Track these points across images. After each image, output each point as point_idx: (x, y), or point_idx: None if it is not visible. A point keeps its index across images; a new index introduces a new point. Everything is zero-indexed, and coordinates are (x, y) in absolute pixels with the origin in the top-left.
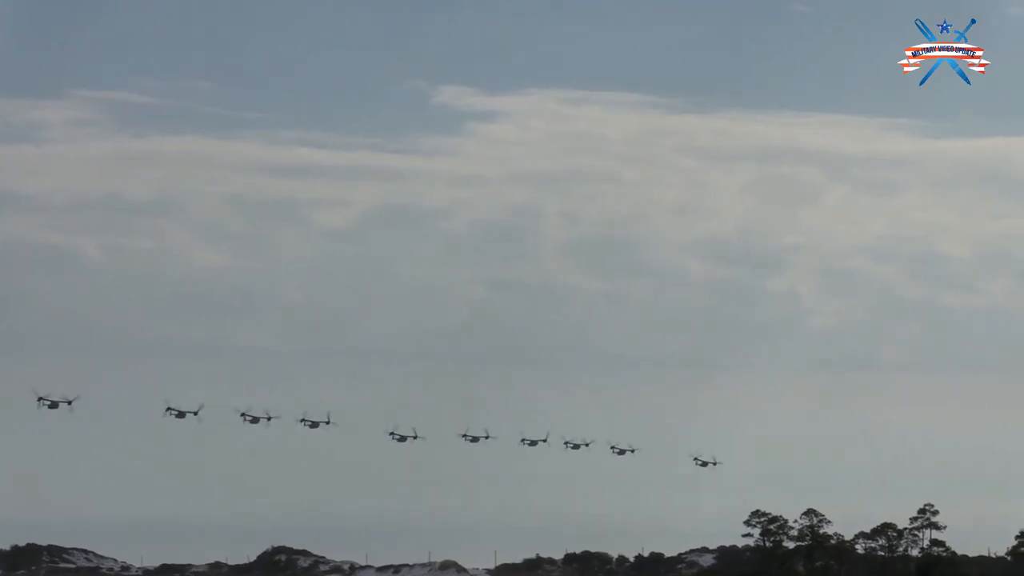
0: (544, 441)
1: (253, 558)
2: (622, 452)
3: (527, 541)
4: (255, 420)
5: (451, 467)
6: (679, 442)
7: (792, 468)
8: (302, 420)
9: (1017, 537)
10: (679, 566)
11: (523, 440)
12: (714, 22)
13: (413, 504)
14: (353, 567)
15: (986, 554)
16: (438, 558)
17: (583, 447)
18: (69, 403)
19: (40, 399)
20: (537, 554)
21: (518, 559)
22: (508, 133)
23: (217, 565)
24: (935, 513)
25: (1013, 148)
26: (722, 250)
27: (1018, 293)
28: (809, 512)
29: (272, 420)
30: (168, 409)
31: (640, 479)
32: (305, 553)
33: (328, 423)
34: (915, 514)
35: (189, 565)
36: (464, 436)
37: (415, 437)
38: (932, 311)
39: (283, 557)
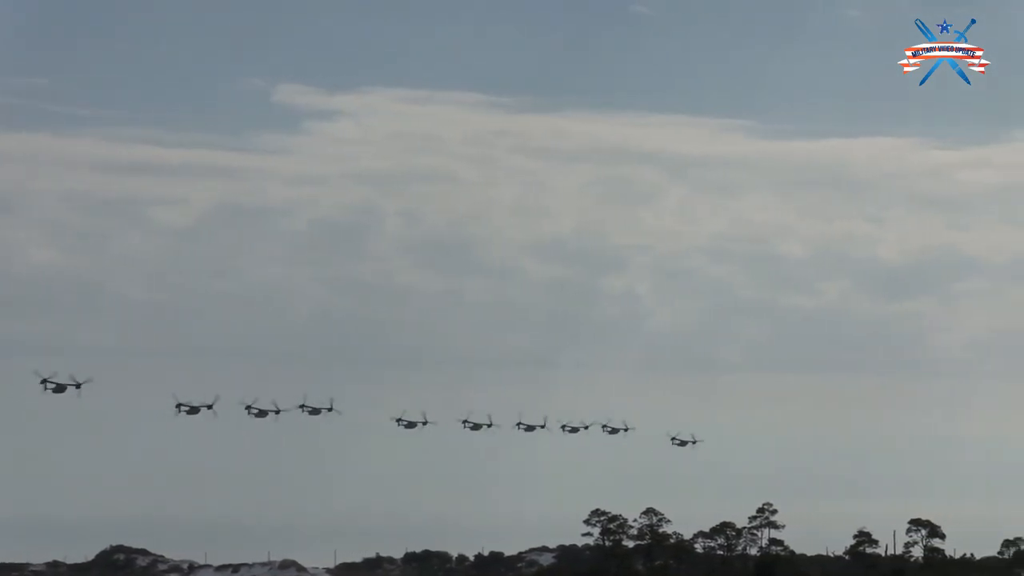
0: (329, 409)
1: (91, 557)
2: (615, 431)
3: (367, 540)
4: (262, 414)
5: (289, 465)
6: (519, 440)
7: (631, 467)
8: (301, 407)
9: (855, 536)
10: (519, 565)
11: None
12: (553, 23)
13: (252, 503)
14: (192, 566)
15: (824, 553)
16: (277, 557)
17: (420, 425)
18: (77, 385)
19: (44, 381)
20: (377, 553)
21: (358, 558)
22: (347, 132)
23: (55, 564)
24: (774, 512)
25: (850, 149)
26: (561, 250)
27: (856, 294)
28: (648, 511)
29: (281, 413)
30: (178, 406)
31: (482, 478)
32: (143, 552)
33: (331, 410)
34: (754, 513)
35: (27, 564)
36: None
37: (424, 423)
38: (770, 312)
39: (121, 556)
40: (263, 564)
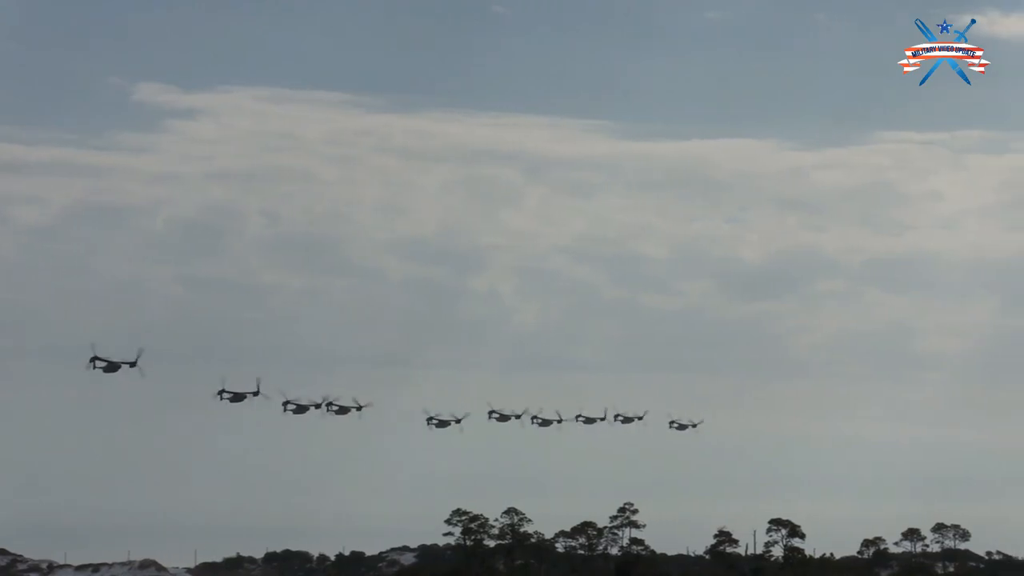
0: (359, 408)
1: None
2: (628, 420)
3: (228, 540)
4: (301, 409)
5: (149, 464)
6: (379, 439)
7: (493, 467)
8: (329, 405)
9: (715, 536)
10: (380, 564)
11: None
12: (414, 23)
13: (112, 502)
14: (52, 566)
15: (685, 553)
16: (137, 557)
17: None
18: (133, 364)
19: (94, 359)
20: (238, 553)
21: (218, 558)
22: (207, 131)
23: None
24: (635, 512)
25: (709, 150)
26: (422, 249)
27: (714, 294)
28: (510, 511)
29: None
30: (221, 391)
31: (342, 479)
32: (3, 552)
33: (360, 408)
34: (615, 513)
35: None
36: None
37: (457, 421)
38: (630, 311)
39: None
40: (123, 564)
